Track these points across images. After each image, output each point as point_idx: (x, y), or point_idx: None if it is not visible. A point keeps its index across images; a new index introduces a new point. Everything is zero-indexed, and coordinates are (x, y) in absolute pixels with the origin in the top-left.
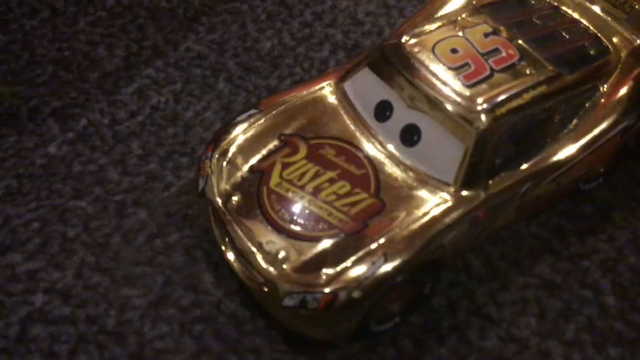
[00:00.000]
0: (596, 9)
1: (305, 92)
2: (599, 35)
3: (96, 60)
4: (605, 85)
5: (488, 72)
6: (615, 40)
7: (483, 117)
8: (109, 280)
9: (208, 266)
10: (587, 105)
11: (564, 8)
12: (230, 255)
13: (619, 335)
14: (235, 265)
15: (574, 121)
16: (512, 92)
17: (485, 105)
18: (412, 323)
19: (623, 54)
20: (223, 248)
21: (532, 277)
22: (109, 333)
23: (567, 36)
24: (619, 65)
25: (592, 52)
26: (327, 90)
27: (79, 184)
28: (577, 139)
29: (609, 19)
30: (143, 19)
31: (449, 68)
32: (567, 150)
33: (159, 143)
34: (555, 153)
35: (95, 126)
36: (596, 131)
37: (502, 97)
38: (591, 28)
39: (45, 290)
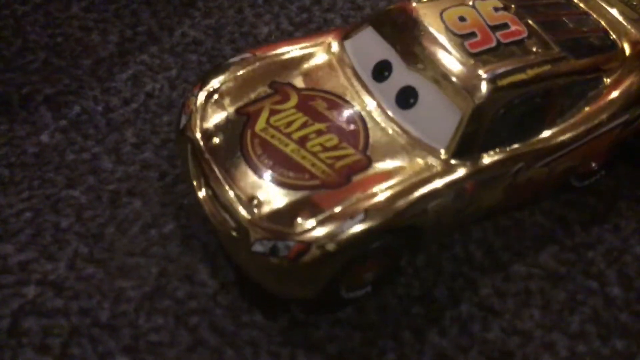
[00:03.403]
0: (610, 7)
1: (303, 44)
2: (608, 30)
3: (89, 47)
4: (609, 79)
5: (494, 43)
6: (624, 38)
7: (483, 86)
8: (103, 272)
9: (204, 257)
10: (589, 95)
11: (575, 1)
12: (202, 194)
13: (625, 326)
14: (207, 207)
15: (574, 109)
16: (516, 65)
17: (487, 75)
18: (413, 314)
19: (630, 53)
20: (195, 185)
21: (536, 268)
22: (102, 326)
23: (577, 26)
24: (625, 63)
25: (600, 44)
26: (326, 45)
27: (72, 173)
28: (575, 127)
29: (621, 17)
30: (137, 3)
31: (455, 35)
32: (564, 136)
33: (154, 131)
34: (551, 137)
35: (88, 114)
36: (595, 121)
37: (505, 69)
38: (602, 23)
39: (38, 282)
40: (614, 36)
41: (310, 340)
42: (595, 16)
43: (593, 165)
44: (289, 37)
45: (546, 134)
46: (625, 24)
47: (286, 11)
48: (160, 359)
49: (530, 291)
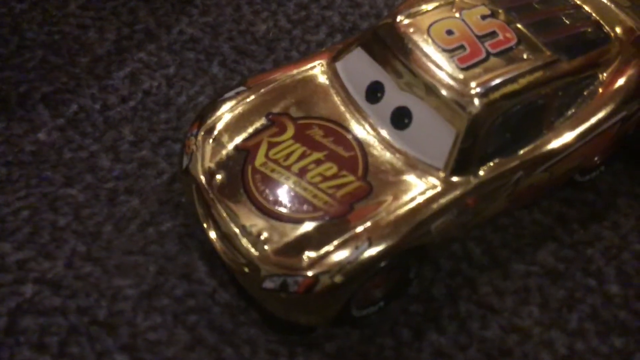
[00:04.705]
0: None
1: (295, 71)
2: (601, 22)
3: (87, 44)
4: (605, 74)
5: (484, 55)
6: (617, 28)
7: (476, 101)
8: (101, 270)
9: (202, 255)
10: (585, 93)
11: None
12: (213, 235)
13: (623, 324)
14: (218, 245)
15: (571, 110)
16: (507, 76)
17: (478, 90)
18: (412, 312)
19: (625, 42)
20: (205, 227)
21: (535, 265)
22: (100, 324)
23: (568, 22)
24: (620, 54)
25: (592, 39)
26: (318, 69)
27: (70, 171)
28: (573, 128)
29: (613, 6)
30: (135, 1)
31: (444, 50)
32: (562, 139)
33: (152, 129)
34: (549, 141)
35: (86, 112)
36: (593, 120)
37: (497, 81)
38: (593, 15)
39: (35, 281)
40: (607, 27)
41: (308, 338)
42: (586, 8)
43: (596, 159)
44: (286, 33)
45: (543, 139)
46: (618, 12)
47: (284, 8)
48: (159, 358)
49: (529, 289)
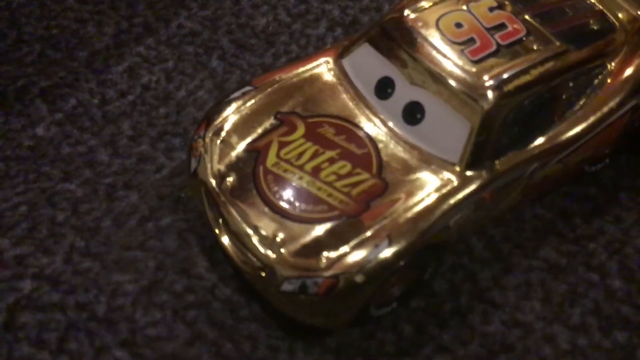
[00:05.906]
0: None
1: (301, 69)
2: (604, 11)
3: (85, 39)
4: (613, 63)
5: (494, 47)
6: (621, 17)
7: (490, 94)
8: (100, 266)
9: (202, 250)
10: (594, 83)
11: None
12: (225, 239)
13: (626, 319)
14: (230, 249)
15: (582, 100)
16: (520, 68)
17: (492, 82)
18: (413, 308)
19: (630, 31)
20: (217, 231)
21: (537, 260)
22: (99, 320)
23: (572, 12)
24: (626, 43)
25: (598, 29)
26: (324, 67)
27: (68, 166)
28: (585, 118)
29: None
30: None
31: (454, 43)
32: (575, 130)
33: (151, 123)
34: (562, 133)
35: (84, 106)
36: (604, 109)
37: (510, 73)
38: (597, 4)
39: (34, 276)
40: (611, 17)
41: (308, 333)
42: None
43: (605, 148)
44: (286, 27)
45: (557, 131)
46: (620, 1)
47: (284, 2)
48: (158, 353)
49: (531, 283)
